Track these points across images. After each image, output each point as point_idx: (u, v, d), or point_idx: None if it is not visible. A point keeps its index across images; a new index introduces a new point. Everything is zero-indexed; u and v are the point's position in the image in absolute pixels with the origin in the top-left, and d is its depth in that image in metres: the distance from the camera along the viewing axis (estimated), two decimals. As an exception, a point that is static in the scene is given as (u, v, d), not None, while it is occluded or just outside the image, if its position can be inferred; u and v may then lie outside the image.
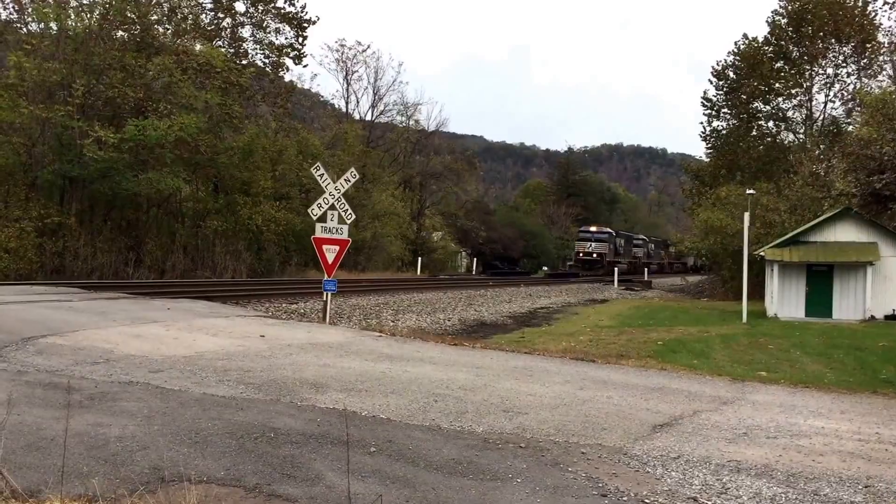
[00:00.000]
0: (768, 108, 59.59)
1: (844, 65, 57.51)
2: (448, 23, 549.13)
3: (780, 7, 58.01)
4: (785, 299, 33.10)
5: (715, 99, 61.92)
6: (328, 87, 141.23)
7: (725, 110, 61.64)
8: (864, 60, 56.76)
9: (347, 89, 71.61)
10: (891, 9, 57.58)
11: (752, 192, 38.62)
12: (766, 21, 58.87)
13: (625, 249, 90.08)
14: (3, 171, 33.90)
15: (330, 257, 19.20)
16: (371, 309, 26.41)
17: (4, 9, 37.20)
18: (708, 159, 65.56)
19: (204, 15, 45.08)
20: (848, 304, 32.25)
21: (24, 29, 37.27)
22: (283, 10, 47.60)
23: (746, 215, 31.69)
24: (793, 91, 58.06)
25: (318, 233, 19.44)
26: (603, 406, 9.71)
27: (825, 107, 58.58)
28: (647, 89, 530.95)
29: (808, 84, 57.90)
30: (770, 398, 11.25)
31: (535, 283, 51.74)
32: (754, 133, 60.46)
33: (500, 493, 6.16)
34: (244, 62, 45.71)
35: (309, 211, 20.42)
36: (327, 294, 19.34)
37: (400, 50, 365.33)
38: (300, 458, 6.66)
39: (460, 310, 30.78)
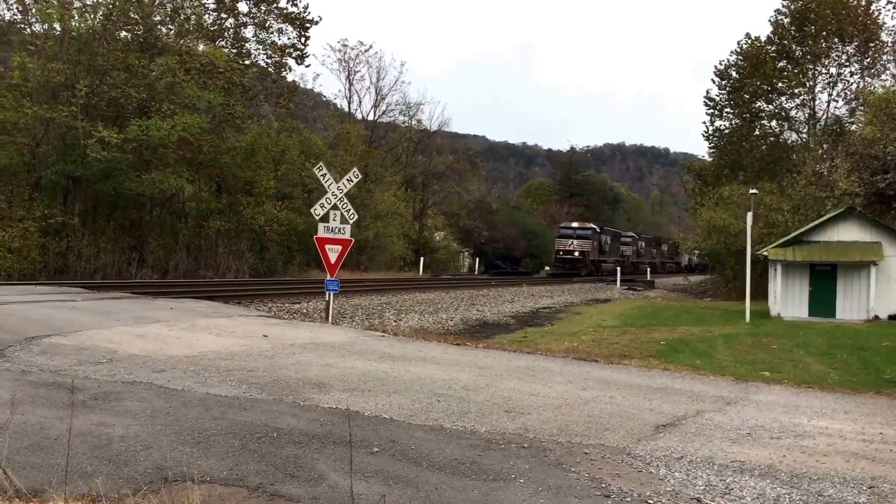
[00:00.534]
0: (771, 107, 59.43)
1: (847, 64, 57.40)
2: (451, 23, 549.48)
3: (783, 6, 57.83)
4: (788, 299, 33.06)
5: (718, 98, 61.78)
6: (330, 87, 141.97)
7: (728, 110, 61.45)
8: (868, 60, 56.65)
9: (350, 89, 71.93)
10: (894, 8, 57.50)
11: (755, 191, 38.58)
12: (769, 20, 58.75)
13: (611, 247, 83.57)
14: (6, 171, 33.94)
15: (332, 257, 19.20)
16: (374, 309, 26.41)
17: (8, 9, 37.29)
18: (711, 159, 65.37)
19: (207, 15, 45.11)
20: (851, 304, 32.21)
21: (28, 29, 37.29)
22: (285, 11, 47.60)
23: (749, 215, 31.69)
24: (796, 90, 57.91)
25: (321, 233, 19.45)
26: (606, 406, 9.70)
27: (828, 106, 58.47)
28: (650, 89, 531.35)
29: (811, 83, 57.75)
30: (773, 398, 11.23)
31: (537, 283, 51.73)
32: (757, 132, 60.29)
33: (503, 493, 6.15)
34: (247, 62, 45.71)
35: (311, 211, 20.43)
36: (330, 294, 19.35)
37: (402, 50, 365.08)
38: (303, 458, 6.66)
39: (463, 310, 30.77)
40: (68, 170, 33.99)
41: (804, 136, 58.32)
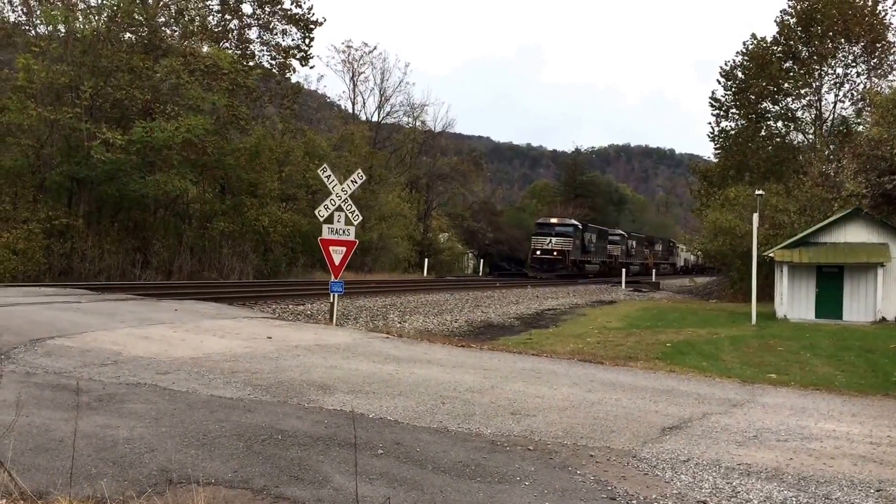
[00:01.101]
0: (777, 108, 59.22)
1: (854, 64, 57.11)
2: (455, 23, 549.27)
3: (789, 7, 57.65)
4: (794, 301, 32.97)
5: (723, 99, 61.58)
6: (335, 88, 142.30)
7: (734, 110, 61.25)
8: (874, 60, 56.43)
9: (354, 90, 72.00)
10: (902, 7, 57.21)
11: (761, 192, 38.45)
12: (775, 21, 58.71)
13: (596, 246, 76.04)
14: (11, 172, 33.95)
15: (337, 259, 19.21)
16: (378, 310, 26.41)
17: (13, 11, 37.32)
18: (716, 160, 65.26)
19: (211, 17, 45.14)
20: (858, 306, 32.10)
21: (33, 31, 37.37)
22: (289, 12, 47.61)
23: (755, 216, 31.61)
24: (802, 91, 57.67)
25: (325, 234, 19.45)
26: (611, 408, 9.67)
27: (835, 107, 58.20)
28: (655, 89, 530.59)
29: (817, 84, 57.53)
30: (780, 401, 11.20)
31: (542, 285, 51.64)
32: (763, 133, 60.10)
33: (508, 495, 6.13)
34: (251, 64, 45.71)
35: (316, 212, 20.43)
36: (334, 295, 19.34)
37: (407, 50, 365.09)
38: (308, 461, 6.64)
39: (467, 311, 30.75)
40: (73, 171, 34.00)
41: (810, 136, 58.09)
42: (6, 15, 37.14)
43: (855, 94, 56.84)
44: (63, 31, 35.50)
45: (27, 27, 37.75)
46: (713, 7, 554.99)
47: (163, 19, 41.07)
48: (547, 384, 11.20)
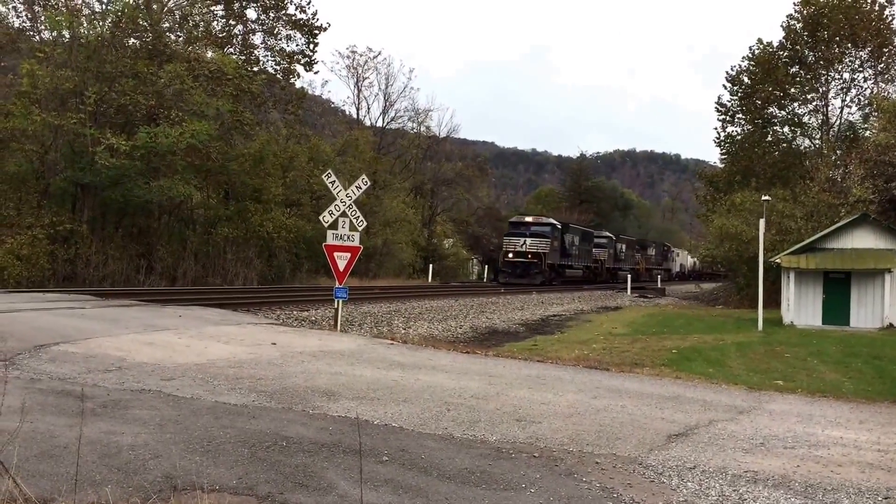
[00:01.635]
0: (784, 113, 59.07)
1: (861, 69, 56.95)
2: (460, 27, 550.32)
3: (796, 12, 57.53)
4: (801, 307, 32.85)
5: (729, 104, 61.41)
6: (339, 93, 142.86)
7: (740, 116, 61.05)
8: (881, 65, 56.31)
9: (358, 96, 71.59)
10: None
11: (767, 198, 38.42)
12: (781, 26, 58.25)
13: (580, 249, 68.83)
14: (15, 178, 34.03)
15: (341, 264, 19.18)
16: (382, 316, 26.37)
17: (17, 17, 37.43)
18: (722, 165, 65.13)
19: (215, 22, 45.24)
20: (866, 312, 31.97)
21: (37, 37, 37.44)
22: (294, 17, 47.72)
23: (762, 222, 31.52)
24: (808, 96, 57.56)
25: (330, 240, 19.44)
26: (617, 415, 9.64)
27: (841, 112, 58.02)
28: (661, 95, 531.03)
29: (824, 89, 57.38)
30: (787, 407, 11.15)
31: (547, 291, 51.52)
32: (769, 139, 59.91)
33: (514, 502, 6.11)
34: (255, 69, 45.79)
35: (320, 218, 20.41)
36: (338, 301, 19.32)
37: (411, 54, 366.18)
38: (312, 467, 6.62)
39: (472, 317, 30.69)
40: (77, 177, 34.04)
41: (817, 142, 57.90)
42: (10, 21, 37.28)
43: (862, 99, 56.70)
44: (67, 36, 35.57)
45: (31, 33, 37.88)
46: (719, 12, 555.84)
47: (167, 25, 41.15)
48: (552, 391, 11.17)
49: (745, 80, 59.97)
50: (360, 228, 19.80)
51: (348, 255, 19.24)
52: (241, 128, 42.82)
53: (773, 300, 35.87)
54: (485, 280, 70.12)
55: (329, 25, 49.09)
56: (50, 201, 34.53)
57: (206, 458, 6.66)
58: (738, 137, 61.21)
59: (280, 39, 48.19)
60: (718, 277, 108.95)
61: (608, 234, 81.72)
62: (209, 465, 6.49)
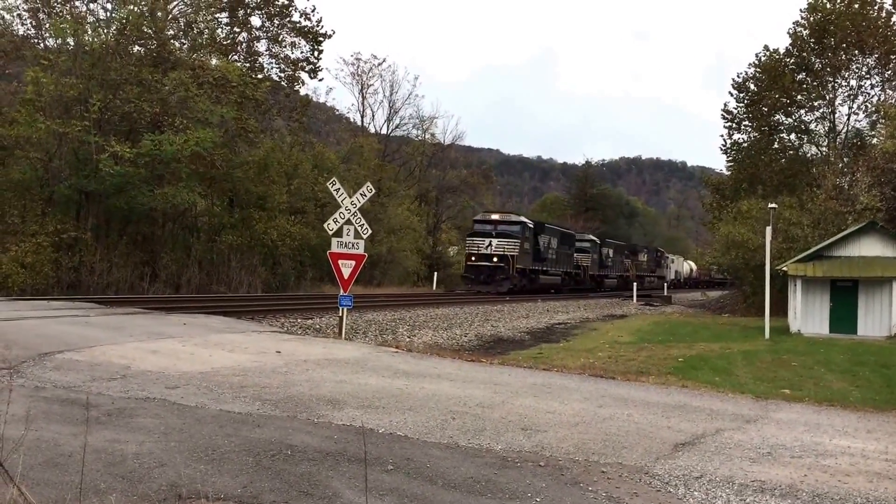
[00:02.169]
0: (790, 120, 58.92)
1: (868, 76, 56.77)
2: (465, 33, 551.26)
3: (802, 18, 57.44)
4: (808, 315, 32.73)
5: (735, 111, 61.22)
6: (344, 100, 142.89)
7: (746, 123, 60.88)
8: (889, 72, 56.17)
9: (363, 103, 71.83)
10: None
11: (774, 206, 38.36)
12: (788, 32, 58.19)
13: (558, 253, 61.09)
14: (20, 185, 34.05)
15: (346, 272, 19.15)
16: (387, 324, 26.33)
17: (22, 24, 37.51)
18: (728, 172, 65.03)
19: (220, 29, 45.33)
20: (873, 320, 31.84)
21: (42, 44, 37.57)
22: (298, 25, 47.83)
23: (768, 230, 31.44)
24: (815, 103, 57.39)
25: (334, 248, 19.41)
26: (623, 424, 9.60)
27: (848, 119, 57.78)
28: (666, 102, 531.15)
29: (830, 96, 57.22)
30: (794, 416, 11.11)
31: (552, 298, 51.41)
32: (776, 146, 59.79)
33: (521, 512, 6.08)
34: (260, 76, 45.89)
35: (325, 226, 20.40)
36: (343, 309, 19.30)
37: (416, 60, 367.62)
38: (317, 476, 6.60)
39: (477, 325, 30.64)
40: (81, 184, 34.07)
41: (824, 149, 57.71)
42: (15, 28, 37.36)
43: (869, 106, 56.47)
44: (72, 44, 35.63)
45: (36, 40, 37.98)
46: (726, 19, 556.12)
47: (172, 32, 41.25)
48: (558, 399, 11.13)
49: (752, 87, 59.84)
50: (364, 236, 19.78)
51: (353, 262, 19.21)
52: (246, 135, 42.91)
53: (780, 308, 35.77)
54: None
55: (333, 32, 49.25)
56: (54, 209, 34.56)
57: (210, 467, 6.64)
58: (745, 145, 61.05)
59: (284, 47, 48.39)
60: (717, 285, 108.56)
61: (592, 237, 74.78)
62: (214, 473, 6.48)
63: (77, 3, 37.57)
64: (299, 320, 24.34)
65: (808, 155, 58.50)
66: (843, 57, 55.50)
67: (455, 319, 30.74)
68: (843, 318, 32.08)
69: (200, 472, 6.50)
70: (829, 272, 32.23)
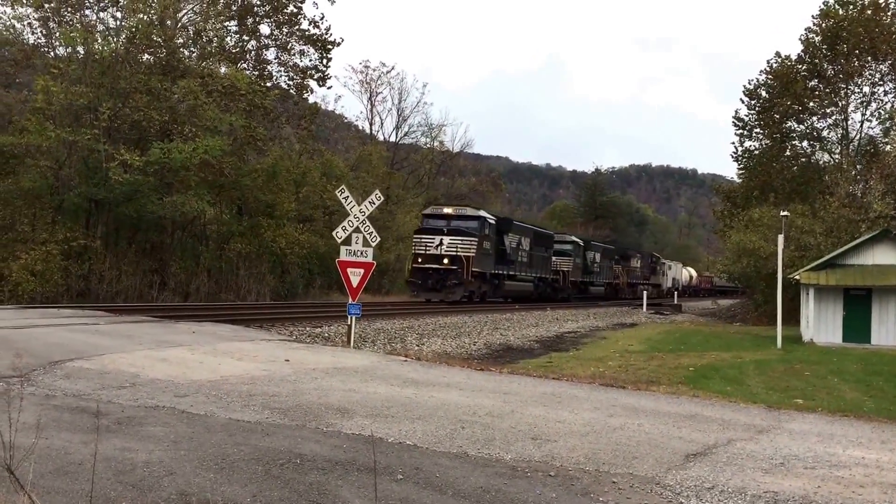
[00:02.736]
0: (802, 127, 58.84)
1: (881, 83, 56.65)
2: (474, 40, 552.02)
3: (815, 25, 57.30)
4: (821, 324, 32.59)
5: (747, 118, 61.14)
6: (352, 108, 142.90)
7: (758, 130, 60.78)
8: (902, 79, 56.09)
9: (371, 111, 71.86)
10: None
11: (786, 213, 38.27)
12: (800, 39, 57.99)
13: (531, 256, 52.44)
14: (30, 194, 34.17)
15: (354, 281, 19.11)
16: (395, 333, 26.29)
17: (32, 33, 37.66)
18: (740, 180, 64.89)
19: (229, 38, 45.41)
20: (887, 330, 31.65)
21: (52, 53, 37.70)
22: (307, 33, 47.88)
23: (780, 238, 31.36)
24: (828, 110, 57.29)
25: (343, 256, 19.38)
26: (634, 434, 9.54)
27: (861, 126, 57.64)
28: (677, 109, 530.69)
29: (843, 103, 57.07)
30: (807, 427, 11.02)
31: (562, 307, 51.29)
32: (788, 153, 59.68)
33: (532, 523, 6.03)
34: (268, 84, 45.96)
35: (333, 234, 20.39)
36: (352, 318, 19.25)
37: (425, 67, 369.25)
38: (326, 485, 6.57)
39: (486, 334, 30.60)
40: (91, 192, 34.19)
41: (837, 156, 57.54)
42: (25, 37, 37.50)
43: (882, 112, 56.38)
44: (82, 52, 35.82)
45: (46, 49, 38.11)
46: (736, 26, 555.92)
47: (181, 40, 41.34)
48: (568, 409, 11.07)
49: (763, 94, 59.75)
50: (373, 244, 19.75)
51: (362, 270, 19.17)
52: (255, 143, 43.00)
53: (792, 317, 35.70)
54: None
55: (342, 41, 49.25)
56: (64, 217, 34.67)
57: (220, 476, 6.62)
58: (756, 152, 60.95)
59: (293, 55, 48.43)
60: (718, 294, 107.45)
61: (574, 238, 65.99)
62: (223, 482, 6.46)
63: (87, 12, 37.70)
64: (308, 329, 24.32)
65: (821, 162, 58.32)
66: (856, 63, 55.36)
67: (464, 328, 30.70)
68: (857, 327, 31.91)
69: (210, 480, 6.48)
70: (842, 281, 32.09)
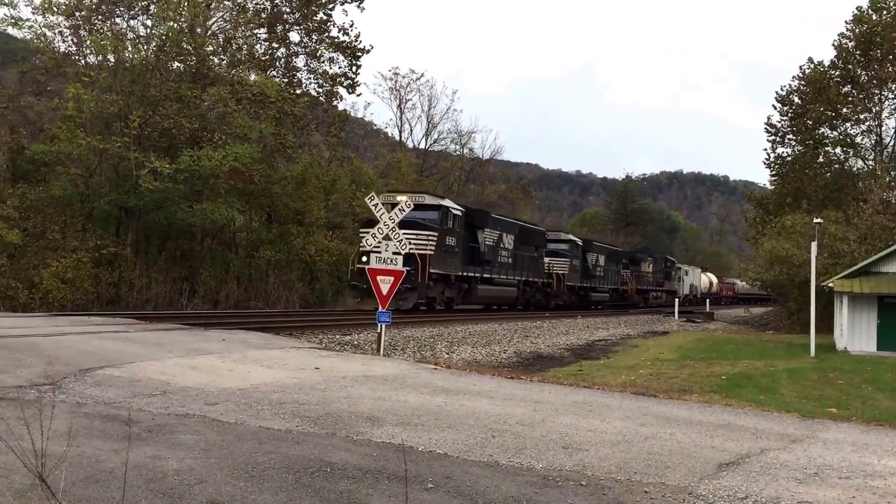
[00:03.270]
0: (836, 133, 58.37)
1: (916, 88, 56.21)
2: (503, 47, 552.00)
3: (848, 30, 56.84)
4: (855, 332, 32.25)
5: (779, 125, 60.79)
6: (382, 115, 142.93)
7: (790, 136, 60.41)
8: (937, 85, 55.51)
9: (401, 118, 72.07)
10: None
11: (819, 220, 37.93)
12: (833, 44, 57.66)
13: (514, 255, 44.08)
14: (61, 202, 34.47)
15: (384, 288, 19.10)
16: (425, 340, 26.24)
17: (63, 41, 37.96)
18: (772, 187, 64.44)
19: (258, 45, 45.66)
20: (923, 338, 31.32)
21: (83, 61, 37.97)
22: (336, 40, 48.01)
23: (814, 245, 31.06)
24: (861, 116, 56.82)
25: (373, 263, 19.39)
26: (666, 443, 9.46)
27: None
28: (708, 115, 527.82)
29: (877, 109, 56.59)
30: (841, 436, 10.90)
31: (592, 315, 50.96)
32: (821, 159, 59.24)
33: (564, 534, 5.98)
34: (298, 92, 46.08)
35: (363, 241, 20.40)
36: (381, 325, 19.22)
37: (455, 73, 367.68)
38: (357, 494, 6.55)
39: (516, 342, 30.50)
40: (121, 200, 34.44)
41: (870, 162, 57.07)
42: (56, 45, 37.82)
43: (918, 118, 55.90)
44: (112, 60, 36.09)
45: (77, 57, 38.39)
46: (766, 31, 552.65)
47: (211, 48, 41.59)
48: (599, 417, 11.00)
49: (796, 100, 59.29)
50: (403, 252, 19.74)
51: (391, 278, 19.16)
52: (284, 150, 43.18)
53: (826, 325, 35.36)
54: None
55: (372, 48, 49.23)
56: (94, 225, 34.95)
57: (250, 484, 6.62)
58: (789, 158, 60.50)
59: (323, 62, 48.53)
60: (741, 302, 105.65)
61: (571, 237, 57.15)
62: (254, 490, 6.45)
63: (117, 21, 38.02)
64: (337, 336, 24.32)
65: (854, 169, 57.87)
66: (890, 69, 54.82)
67: (494, 336, 30.63)
68: (892, 335, 31.55)
69: (240, 489, 6.48)
70: (876, 288, 31.75)
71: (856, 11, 56.14)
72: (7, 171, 34.78)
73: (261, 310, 35.44)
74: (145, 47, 37.16)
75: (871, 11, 55.48)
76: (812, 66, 58.39)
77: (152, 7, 37.89)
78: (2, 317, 22.30)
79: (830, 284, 33.24)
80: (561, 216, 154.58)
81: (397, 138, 71.73)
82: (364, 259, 29.07)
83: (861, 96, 56.43)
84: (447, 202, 37.07)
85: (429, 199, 35.61)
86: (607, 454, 8.67)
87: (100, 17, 37.69)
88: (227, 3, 43.83)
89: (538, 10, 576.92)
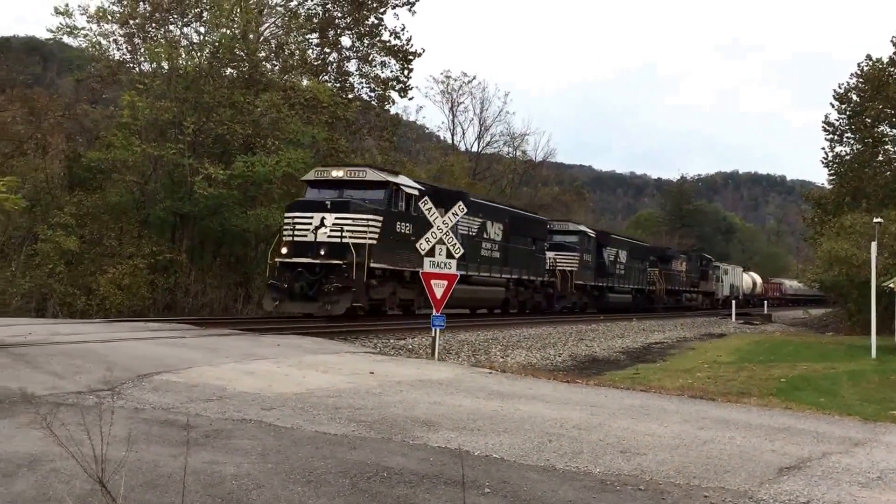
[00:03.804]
0: (895, 132, 57.39)
1: (978, 84, 54.96)
2: (557, 48, 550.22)
3: (907, 26, 55.85)
4: (917, 333, 31.71)
5: (837, 123, 59.83)
6: (433, 118, 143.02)
7: (849, 135, 59.42)
8: None
9: (453, 121, 71.92)
10: None
11: (879, 220, 37.29)
12: (891, 41, 56.60)
13: (504, 249, 36.26)
14: (116, 208, 34.90)
15: (438, 292, 19.08)
16: (479, 345, 26.19)
17: (118, 49, 38.47)
18: (830, 186, 63.43)
19: (310, 51, 45.91)
20: (985, 338, 30.68)
21: (137, 69, 38.45)
22: (388, 44, 48.12)
23: (874, 245, 30.56)
24: (922, 113, 55.80)
25: (426, 267, 19.38)
26: (725, 447, 9.34)
27: (957, 129, 56.17)
28: (765, 114, 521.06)
29: (938, 106, 55.52)
30: (905, 440, 10.68)
31: (648, 317, 50.58)
32: (880, 158, 58.18)
33: (622, 540, 5.92)
34: (350, 96, 46.30)
35: (416, 245, 20.39)
36: (436, 330, 19.20)
37: (507, 73, 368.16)
38: (414, 499, 6.56)
39: (571, 345, 30.36)
40: (176, 207, 34.81)
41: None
42: (111, 53, 38.34)
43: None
44: (166, 68, 36.50)
45: (131, 65, 38.86)
46: (827, 28, 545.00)
47: (263, 54, 41.85)
48: (656, 421, 10.89)
49: (854, 97, 58.29)
50: (456, 255, 19.73)
51: (445, 282, 19.14)
52: (337, 155, 43.33)
53: (886, 327, 34.72)
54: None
55: (423, 51, 49.33)
56: (150, 231, 35.33)
57: (307, 489, 6.64)
58: (847, 157, 59.47)
59: (375, 66, 48.66)
60: (790, 304, 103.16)
61: (582, 228, 48.73)
62: (311, 495, 6.47)
63: (171, 28, 38.44)
64: (392, 341, 24.35)
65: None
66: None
67: (549, 339, 30.52)
68: (954, 335, 30.94)
69: (298, 494, 6.50)
70: (938, 288, 31.16)
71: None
72: (64, 178, 35.29)
73: (314, 315, 35.55)
74: (198, 54, 37.54)
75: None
76: (870, 62, 57.35)
77: (205, 14, 38.28)
78: (60, 323, 22.68)
79: (891, 285, 32.68)
80: (615, 218, 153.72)
81: (449, 141, 71.76)
82: (284, 251, 26.20)
83: (922, 93, 55.29)
84: (402, 178, 29.78)
85: (372, 174, 27.76)
86: (665, 458, 8.57)
87: (153, 24, 38.14)
88: (279, 8, 44.25)
89: (592, 11, 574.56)
